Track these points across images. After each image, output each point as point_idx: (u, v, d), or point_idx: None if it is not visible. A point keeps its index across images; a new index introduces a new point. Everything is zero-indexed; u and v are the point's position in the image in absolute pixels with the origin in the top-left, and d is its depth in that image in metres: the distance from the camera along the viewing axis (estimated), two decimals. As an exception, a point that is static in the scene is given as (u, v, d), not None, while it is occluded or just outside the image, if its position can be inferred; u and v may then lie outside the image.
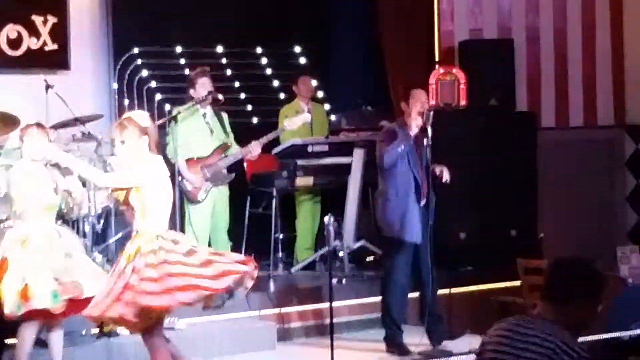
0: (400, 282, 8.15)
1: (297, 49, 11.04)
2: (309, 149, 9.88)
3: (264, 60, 10.93)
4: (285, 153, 9.82)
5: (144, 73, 10.43)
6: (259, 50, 10.92)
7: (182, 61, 10.48)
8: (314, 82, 10.38)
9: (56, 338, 7.12)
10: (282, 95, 10.78)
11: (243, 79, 10.77)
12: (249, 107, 10.74)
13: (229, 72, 10.70)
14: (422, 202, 8.08)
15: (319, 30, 11.20)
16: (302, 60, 11.00)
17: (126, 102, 10.36)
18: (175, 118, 8.80)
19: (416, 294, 8.37)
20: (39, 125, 7.30)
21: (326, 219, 7.62)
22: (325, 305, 8.27)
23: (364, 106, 10.87)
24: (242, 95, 10.75)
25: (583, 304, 4.00)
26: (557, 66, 11.46)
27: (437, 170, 8.10)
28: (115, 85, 10.37)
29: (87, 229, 8.65)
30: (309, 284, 9.31)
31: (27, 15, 10.13)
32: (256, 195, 9.98)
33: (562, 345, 3.88)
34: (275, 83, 10.92)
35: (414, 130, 7.93)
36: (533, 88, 11.33)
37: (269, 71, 10.96)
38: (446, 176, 8.11)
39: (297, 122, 9.31)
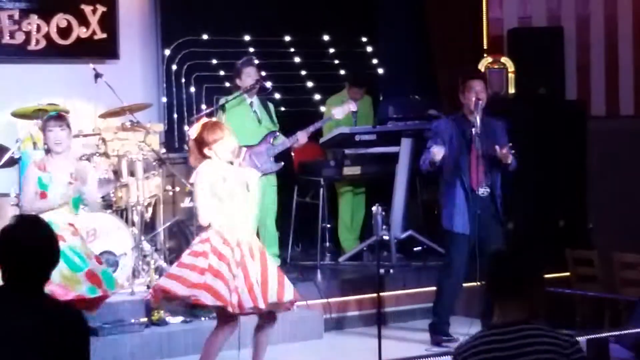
0: (453, 273, 8.08)
1: (364, 39, 11.01)
2: (357, 138, 9.85)
3: (331, 49, 10.93)
4: (333, 142, 9.81)
5: (192, 62, 10.45)
6: (325, 38, 10.91)
7: (227, 50, 10.49)
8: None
9: None
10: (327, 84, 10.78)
11: (310, 67, 10.78)
12: (316, 96, 10.72)
13: (295, 59, 10.70)
14: (481, 192, 7.96)
15: (369, 19, 11.15)
16: (369, 49, 10.97)
17: (174, 91, 10.40)
18: (222, 107, 8.85)
19: (471, 285, 8.31)
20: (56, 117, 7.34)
21: (374, 208, 7.60)
22: (373, 295, 8.24)
23: (411, 95, 10.82)
24: (309, 84, 10.75)
25: (538, 294, 4.00)
26: (607, 54, 11.33)
27: (499, 152, 7.90)
28: (164, 75, 10.41)
29: (136, 218, 8.69)
30: (356, 274, 9.29)
31: (77, 4, 10.20)
32: (304, 185, 9.99)
33: (560, 336, 3.88)
34: (342, 72, 10.88)
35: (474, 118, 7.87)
36: (583, 76, 11.22)
37: (335, 60, 10.95)
38: (508, 159, 7.94)
39: (344, 110, 9.28)
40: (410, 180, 9.82)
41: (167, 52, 10.40)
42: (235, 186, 6.64)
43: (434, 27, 10.79)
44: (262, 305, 6.54)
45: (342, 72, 10.86)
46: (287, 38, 10.78)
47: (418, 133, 9.55)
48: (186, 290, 6.45)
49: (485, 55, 10.56)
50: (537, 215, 9.88)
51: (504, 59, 10.23)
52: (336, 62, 10.96)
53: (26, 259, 3.93)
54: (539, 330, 3.91)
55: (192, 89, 10.46)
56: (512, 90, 10.14)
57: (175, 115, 10.46)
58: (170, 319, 7.96)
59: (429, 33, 10.84)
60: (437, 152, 7.79)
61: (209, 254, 6.52)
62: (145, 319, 7.91)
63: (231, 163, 6.73)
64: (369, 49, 11.12)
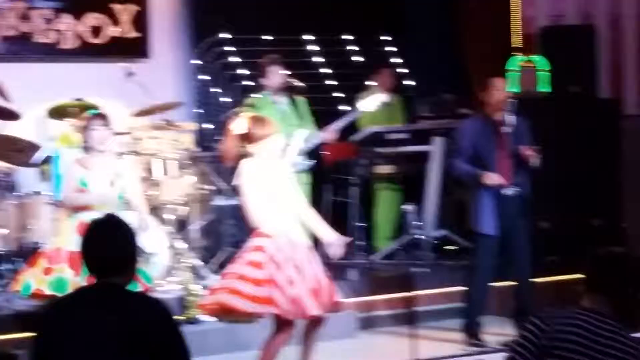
0: (480, 274, 8.06)
1: (381, 37, 10.97)
2: (388, 136, 9.82)
3: (348, 48, 10.90)
4: (365, 141, 9.78)
5: (225, 60, 10.45)
6: (347, 37, 10.88)
7: (266, 48, 10.47)
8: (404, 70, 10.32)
9: None
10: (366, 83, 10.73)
11: (331, 66, 10.74)
12: (338, 95, 10.69)
13: (315, 59, 10.68)
14: (510, 191, 7.93)
15: (400, 17, 11.10)
16: (387, 48, 10.93)
17: (207, 89, 10.40)
18: (250, 106, 8.85)
19: (503, 284, 8.27)
20: (98, 115, 7.30)
21: (407, 207, 7.57)
22: (406, 294, 8.23)
23: (443, 93, 10.78)
24: (331, 83, 10.72)
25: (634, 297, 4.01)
26: (639, 52, 11.26)
27: (526, 153, 7.89)
28: (197, 74, 10.42)
29: (169, 216, 8.68)
30: (389, 273, 9.27)
31: (108, 3, 10.24)
32: (337, 183, 9.96)
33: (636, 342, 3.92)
34: (359, 72, 10.85)
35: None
36: (615, 74, 11.14)
37: (357, 58, 10.92)
38: (534, 160, 7.94)
39: (371, 101, 9.23)
40: (442, 178, 9.78)
41: (199, 51, 10.40)
42: (282, 185, 6.51)
43: (466, 25, 10.74)
44: (319, 311, 6.44)
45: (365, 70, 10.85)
46: (308, 37, 10.75)
47: (450, 131, 9.50)
48: (248, 305, 6.33)
49: (517, 53, 10.50)
50: (571, 214, 9.81)
51: (536, 57, 10.16)
52: (358, 59, 10.92)
53: (108, 256, 4.03)
54: (622, 330, 3.96)
55: (222, 88, 10.46)
56: (544, 88, 10.07)
57: (206, 114, 10.46)
58: (203, 317, 7.94)
59: (460, 31, 10.79)
60: (492, 179, 7.75)
61: (266, 264, 6.36)
62: (179, 317, 7.89)
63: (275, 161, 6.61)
64: (393, 48, 11.06)
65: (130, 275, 4.12)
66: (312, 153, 9.06)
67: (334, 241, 6.72)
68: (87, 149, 7.26)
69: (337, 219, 9.67)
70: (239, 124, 6.62)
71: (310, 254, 6.59)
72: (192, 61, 10.49)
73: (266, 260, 6.37)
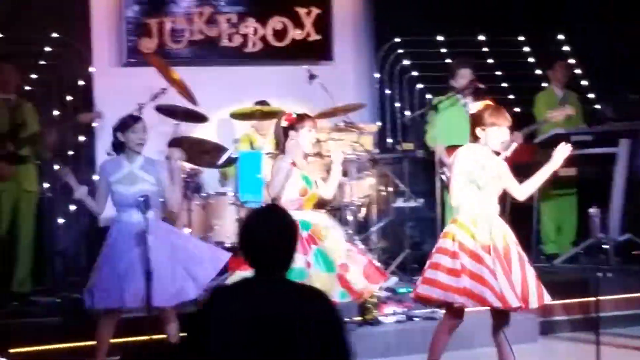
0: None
1: (560, 37, 10.79)
2: (572, 138, 9.63)
3: (525, 49, 10.76)
4: (548, 143, 9.62)
5: (406, 62, 10.47)
6: (520, 38, 10.76)
7: (443, 50, 10.45)
8: (578, 71, 10.13)
9: None
10: (544, 84, 10.57)
11: (505, 67, 10.64)
12: (511, 96, 10.57)
13: (490, 60, 10.58)
14: None
15: (581, 17, 10.89)
16: (565, 48, 10.75)
17: (387, 91, 10.44)
18: (435, 107, 8.88)
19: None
20: (310, 117, 7.31)
21: (591, 210, 7.41)
22: (590, 299, 8.05)
23: (629, 94, 10.51)
24: (504, 84, 10.61)
25: None
26: None
27: None
28: (377, 75, 10.46)
29: (350, 217, 8.74)
30: (572, 277, 9.09)
31: (292, 6, 10.41)
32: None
33: None
34: (538, 71, 10.72)
35: None
36: None
37: (530, 59, 10.77)
38: None
39: (559, 114, 9.14)
40: (628, 182, 9.54)
41: (381, 52, 10.44)
42: (492, 176, 6.39)
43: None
44: (521, 305, 6.29)
45: (538, 71, 10.68)
46: (482, 37, 10.66)
47: (637, 133, 9.28)
48: (447, 295, 6.23)
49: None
50: None
51: None
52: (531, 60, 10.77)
53: (264, 246, 4.03)
54: None
55: (406, 90, 10.47)
56: None
57: (386, 116, 10.49)
58: (383, 318, 7.97)
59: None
60: None
61: (459, 253, 6.24)
62: (359, 318, 7.94)
63: (497, 154, 6.50)
64: (566, 47, 10.84)
65: (289, 266, 4.11)
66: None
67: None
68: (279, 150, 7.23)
69: (517, 222, 9.57)
70: (476, 105, 6.56)
71: (516, 247, 6.46)
72: (374, 63, 10.52)
73: (459, 250, 6.25)
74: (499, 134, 6.39)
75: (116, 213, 6.83)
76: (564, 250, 9.85)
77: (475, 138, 6.44)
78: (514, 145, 6.63)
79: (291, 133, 7.10)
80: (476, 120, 6.42)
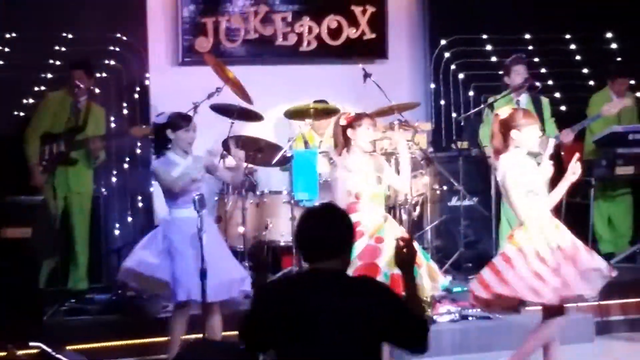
0: None
1: (608, 35, 10.67)
2: (630, 137, 9.55)
3: (572, 47, 10.67)
4: (605, 141, 9.55)
5: (459, 61, 10.42)
6: (567, 36, 10.66)
7: (494, 49, 10.39)
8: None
9: None
10: (591, 82, 10.46)
11: (552, 65, 10.55)
12: (558, 95, 10.47)
13: (536, 59, 10.51)
14: None
15: (629, 14, 10.74)
16: (613, 46, 10.63)
17: (441, 90, 10.41)
18: (491, 106, 8.88)
19: None
20: (369, 115, 7.27)
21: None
22: (646, 299, 8.00)
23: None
24: (551, 82, 10.52)
25: None
26: None
27: None
28: (431, 74, 10.44)
29: (404, 216, 8.74)
30: (629, 277, 8.99)
31: (347, 5, 10.41)
32: (573, 184, 9.72)
33: None
34: (585, 70, 10.60)
35: None
36: None
37: (577, 57, 10.67)
38: None
39: (616, 105, 9.06)
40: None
41: (435, 51, 10.42)
42: (540, 179, 6.42)
43: None
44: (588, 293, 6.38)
45: (585, 70, 10.59)
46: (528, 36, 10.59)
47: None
48: (511, 290, 6.29)
49: None
50: None
51: None
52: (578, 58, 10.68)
53: (325, 238, 4.10)
54: None
55: (460, 88, 10.43)
56: None
57: (441, 115, 10.46)
58: (437, 317, 7.95)
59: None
60: None
61: (522, 253, 6.31)
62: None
63: (534, 156, 6.52)
64: (614, 45, 10.71)
65: (347, 260, 4.14)
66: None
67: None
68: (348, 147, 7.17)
69: (573, 221, 9.50)
70: (504, 110, 6.56)
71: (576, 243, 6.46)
72: (430, 61, 10.50)
73: (523, 250, 6.30)
74: (534, 132, 6.43)
75: (169, 210, 6.90)
76: (621, 250, 9.76)
77: (505, 144, 6.43)
78: (552, 142, 6.61)
79: (349, 131, 7.08)
80: (509, 124, 6.44)
